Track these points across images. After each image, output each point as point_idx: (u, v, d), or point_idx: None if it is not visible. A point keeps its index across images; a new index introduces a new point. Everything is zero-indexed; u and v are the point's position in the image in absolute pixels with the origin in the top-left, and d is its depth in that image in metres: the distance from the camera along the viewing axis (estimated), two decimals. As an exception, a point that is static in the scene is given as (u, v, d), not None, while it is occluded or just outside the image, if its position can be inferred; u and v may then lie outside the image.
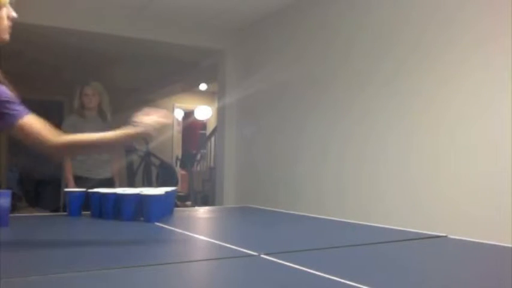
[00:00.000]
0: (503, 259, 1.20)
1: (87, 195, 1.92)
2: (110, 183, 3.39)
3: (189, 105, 9.16)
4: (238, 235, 1.62)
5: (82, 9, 4.44)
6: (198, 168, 8.22)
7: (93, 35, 4.74)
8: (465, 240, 1.45)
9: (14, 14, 1.36)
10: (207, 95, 9.02)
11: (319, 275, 0.97)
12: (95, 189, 1.89)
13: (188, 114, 9.29)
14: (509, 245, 1.33)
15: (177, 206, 2.54)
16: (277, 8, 4.43)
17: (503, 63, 2.60)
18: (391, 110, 3.29)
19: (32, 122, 1.32)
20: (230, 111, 5.20)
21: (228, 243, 1.32)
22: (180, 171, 8.00)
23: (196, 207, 2.73)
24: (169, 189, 1.98)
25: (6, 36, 1.36)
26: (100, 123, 3.58)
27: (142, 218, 1.75)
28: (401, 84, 3.22)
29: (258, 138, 4.80)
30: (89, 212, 1.90)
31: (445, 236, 1.51)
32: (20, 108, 1.32)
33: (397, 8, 3.29)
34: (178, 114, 9.21)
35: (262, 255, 1.15)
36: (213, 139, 7.34)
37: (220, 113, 5.38)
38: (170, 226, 1.66)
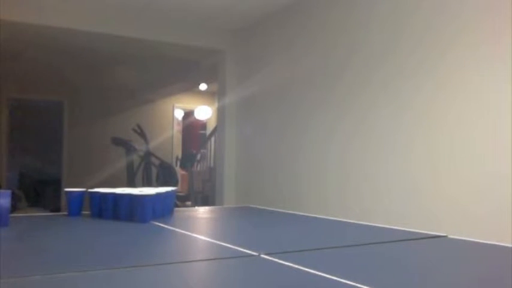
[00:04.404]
0: (503, 259, 1.20)
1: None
2: None
3: (189, 105, 9.17)
4: (238, 235, 1.62)
5: (82, 9, 4.44)
6: (198, 168, 8.22)
7: (93, 35, 4.74)
8: (465, 240, 1.45)
9: None
10: (207, 95, 9.03)
11: (319, 275, 0.96)
12: (95, 189, 1.89)
13: (188, 114, 9.29)
14: (509, 245, 1.33)
15: (177, 206, 2.54)
16: (277, 8, 4.43)
17: (503, 63, 2.60)
18: (393, 110, 3.29)
19: None
20: (230, 111, 5.20)
21: (228, 243, 1.32)
22: (180, 171, 7.99)
23: (196, 207, 2.72)
24: (169, 189, 1.98)
25: None
26: None
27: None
28: (402, 84, 3.23)
29: (258, 137, 4.80)
30: (88, 212, 1.90)
31: (445, 236, 1.50)
32: None
33: (399, 8, 3.29)
34: (178, 114, 9.21)
35: (262, 255, 1.15)
36: (213, 139, 7.34)
37: (220, 113, 5.38)
38: (170, 226, 1.66)
